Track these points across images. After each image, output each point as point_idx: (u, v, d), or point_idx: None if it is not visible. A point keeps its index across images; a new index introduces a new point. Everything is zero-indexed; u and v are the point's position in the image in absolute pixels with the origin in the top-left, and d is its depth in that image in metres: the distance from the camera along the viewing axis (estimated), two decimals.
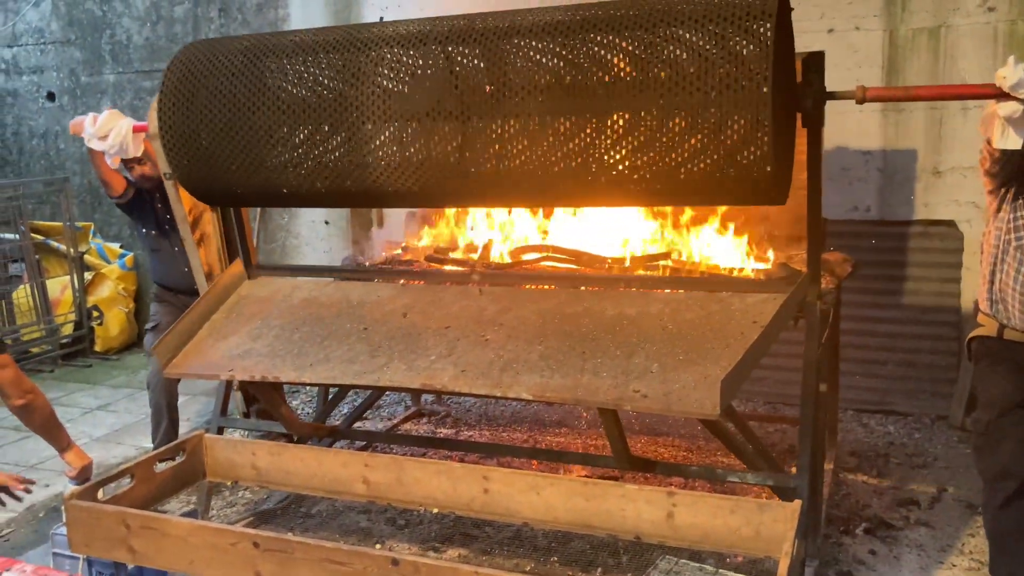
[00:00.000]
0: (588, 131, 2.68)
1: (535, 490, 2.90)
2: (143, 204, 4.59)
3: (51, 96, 7.59)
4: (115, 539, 2.74)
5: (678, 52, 2.54)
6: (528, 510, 2.90)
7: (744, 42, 2.47)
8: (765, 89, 2.40)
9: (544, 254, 3.98)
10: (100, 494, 2.98)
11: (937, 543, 3.64)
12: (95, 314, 7.01)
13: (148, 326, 4.75)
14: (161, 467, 3.25)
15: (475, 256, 4.25)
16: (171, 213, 4.28)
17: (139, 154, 3.95)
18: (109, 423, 5.51)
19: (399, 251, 4.58)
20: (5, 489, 3.12)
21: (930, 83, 5.09)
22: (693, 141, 2.53)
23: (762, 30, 2.46)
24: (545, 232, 4.21)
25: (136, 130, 3.83)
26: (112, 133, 3.78)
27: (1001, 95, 2.57)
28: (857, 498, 4.03)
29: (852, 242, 5.27)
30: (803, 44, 5.10)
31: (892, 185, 5.27)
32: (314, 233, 6.62)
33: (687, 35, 2.54)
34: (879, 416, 5.13)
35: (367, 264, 4.33)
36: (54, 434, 3.31)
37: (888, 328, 5.26)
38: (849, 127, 5.22)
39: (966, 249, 5.12)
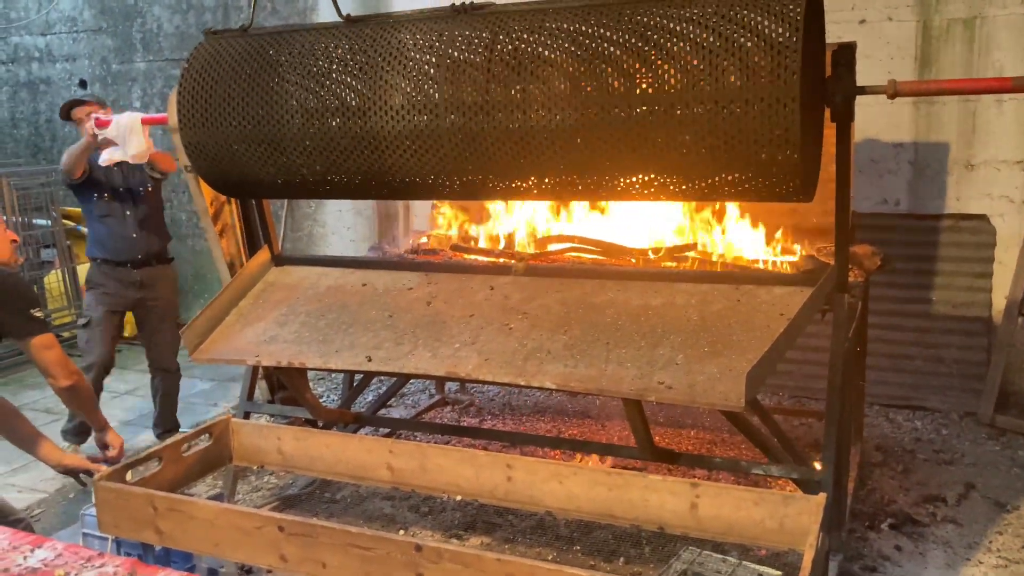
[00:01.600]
0: (613, 130, 2.67)
1: (558, 479, 2.89)
2: (98, 174, 4.51)
3: (83, 84, 7.67)
4: (143, 520, 2.78)
5: (707, 42, 2.52)
6: (551, 499, 2.90)
7: (774, 29, 2.44)
8: (794, 78, 2.37)
9: (570, 245, 3.99)
10: (128, 476, 3.02)
11: (964, 540, 3.60)
12: None
13: (80, 322, 4.61)
14: (188, 451, 3.28)
15: (500, 247, 4.28)
16: (131, 176, 4.39)
17: (145, 160, 4.02)
18: (137, 408, 5.58)
19: (425, 239, 4.60)
20: (82, 471, 3.16)
21: (964, 75, 5.02)
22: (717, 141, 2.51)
23: (793, 15, 2.43)
24: (569, 221, 4.20)
25: (145, 122, 3.88)
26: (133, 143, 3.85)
27: None
28: (882, 493, 3.99)
29: (882, 235, 5.20)
30: (834, 35, 5.09)
31: (923, 178, 5.20)
32: (340, 222, 6.66)
33: (715, 27, 2.52)
34: (906, 412, 5.07)
35: (393, 254, 4.35)
36: (95, 415, 3.37)
37: (917, 323, 5.21)
38: (880, 119, 5.16)
39: (999, 244, 5.05)
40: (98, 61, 7.58)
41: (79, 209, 7.32)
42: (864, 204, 5.23)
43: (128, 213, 4.54)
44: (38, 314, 2.97)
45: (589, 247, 3.95)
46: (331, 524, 2.49)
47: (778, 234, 3.92)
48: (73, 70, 7.72)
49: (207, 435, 3.38)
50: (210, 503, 2.83)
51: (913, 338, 5.20)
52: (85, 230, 7.16)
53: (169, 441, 3.24)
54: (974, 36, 4.98)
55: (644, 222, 4.07)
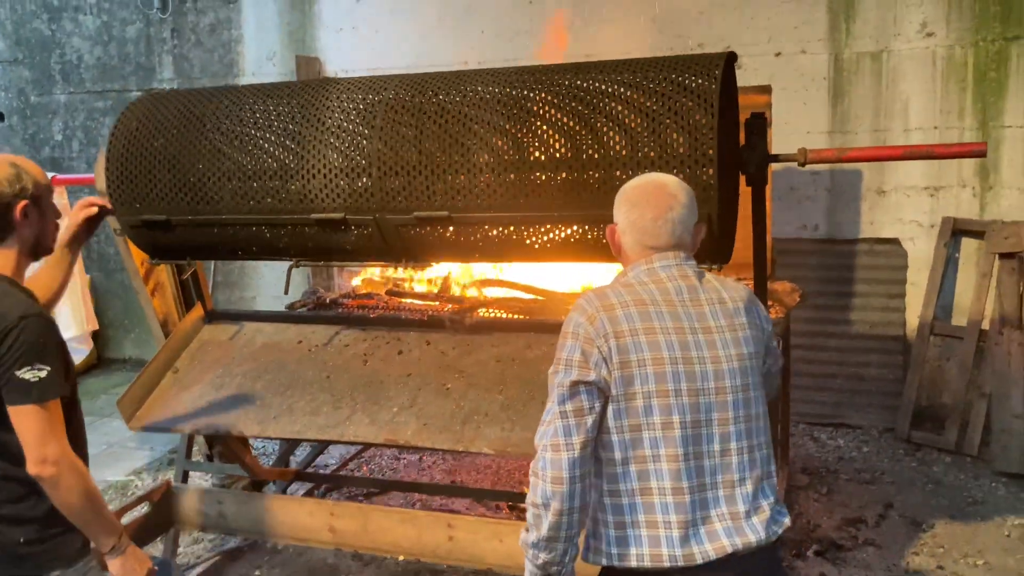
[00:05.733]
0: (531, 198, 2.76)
1: (498, 537, 2.99)
2: None
3: (0, 116, 7.47)
4: None
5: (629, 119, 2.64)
6: (492, 556, 3.00)
7: (692, 111, 2.57)
8: (711, 171, 2.49)
9: (501, 287, 4.09)
10: None
11: (883, 562, 3.81)
12: None
13: None
14: (127, 520, 3.28)
15: (435, 289, 4.34)
16: None
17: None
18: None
19: (358, 280, 4.64)
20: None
21: (874, 105, 5.26)
22: None
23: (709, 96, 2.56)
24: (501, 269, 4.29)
25: (66, 183, 3.90)
26: None
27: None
28: (808, 518, 4.19)
29: (802, 259, 5.45)
30: (752, 67, 5.31)
31: (839, 204, 5.44)
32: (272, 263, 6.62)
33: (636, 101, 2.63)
34: (830, 429, 5.31)
35: (327, 299, 4.37)
36: (91, 524, 2.18)
37: (838, 343, 5.45)
38: (796, 148, 5.35)
39: (911, 266, 5.32)
40: (15, 93, 7.38)
41: None
42: (785, 230, 5.45)
43: None
44: (27, 375, 2.00)
45: (520, 290, 4.05)
46: None
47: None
48: None
49: (147, 502, 3.39)
50: None
51: (834, 357, 5.44)
52: None
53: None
54: (882, 69, 5.23)
55: (573, 265, 4.18)
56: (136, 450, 5.48)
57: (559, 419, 1.86)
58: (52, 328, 2.13)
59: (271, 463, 4.80)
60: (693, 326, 1.90)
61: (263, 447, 5.58)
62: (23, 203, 2.19)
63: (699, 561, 1.82)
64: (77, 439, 2.23)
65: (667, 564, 1.82)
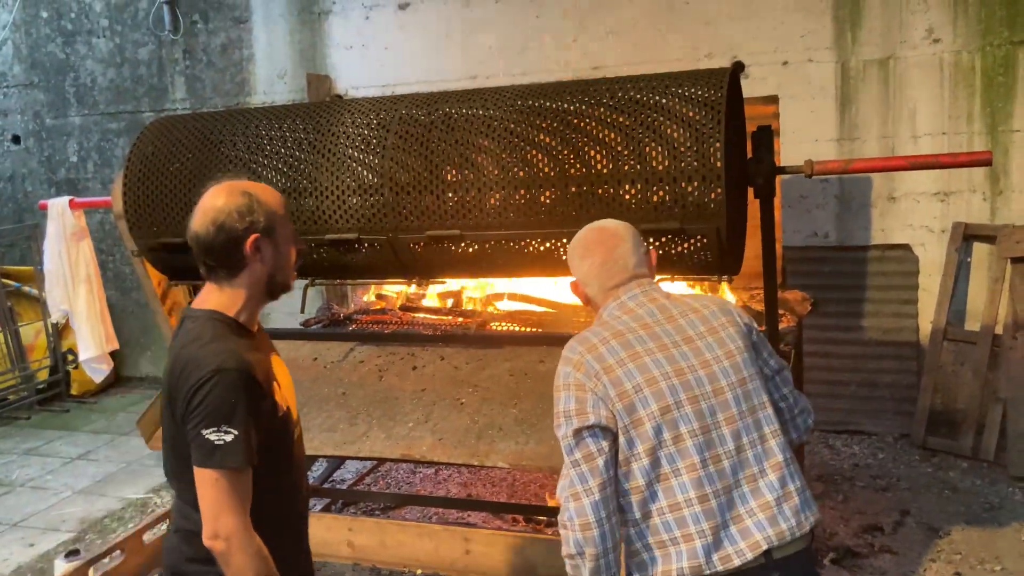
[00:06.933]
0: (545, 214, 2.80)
1: (515, 550, 3.02)
2: None
3: (16, 139, 7.57)
4: None
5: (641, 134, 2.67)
6: (509, 569, 3.02)
7: (698, 119, 2.60)
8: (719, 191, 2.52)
9: (516, 300, 4.12)
10: (91, 573, 3.06)
11: (900, 569, 3.81)
12: (70, 358, 7.02)
13: None
14: (148, 538, 3.33)
15: (449, 303, 4.38)
16: None
17: None
18: (91, 473, 5.54)
19: (373, 296, 4.68)
20: None
21: (882, 111, 5.28)
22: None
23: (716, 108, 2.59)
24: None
25: (83, 206, 3.99)
26: None
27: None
28: (825, 526, 4.19)
29: (813, 267, 5.46)
30: (759, 76, 5.33)
31: (849, 211, 5.44)
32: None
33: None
34: (844, 436, 5.31)
35: (341, 315, 4.42)
36: None
37: (851, 350, 5.44)
38: (805, 157, 5.37)
39: (922, 271, 5.32)
40: (31, 116, 7.48)
41: (19, 268, 7.26)
42: (795, 238, 5.46)
43: None
44: (212, 436, 1.83)
45: (534, 303, 4.09)
46: None
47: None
48: (5, 125, 7.61)
49: (168, 520, 3.42)
50: None
51: (847, 364, 5.44)
52: (27, 289, 7.10)
53: (130, 531, 3.28)
54: (888, 76, 5.24)
55: None
56: (155, 468, 5.53)
57: (572, 468, 1.89)
58: (250, 385, 1.87)
59: None
60: (674, 340, 1.95)
61: None
62: (254, 236, 1.94)
63: (736, 563, 1.84)
64: (280, 501, 2.03)
65: (706, 572, 1.84)
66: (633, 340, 1.93)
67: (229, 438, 1.83)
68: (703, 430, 1.88)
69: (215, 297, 2.00)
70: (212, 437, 1.82)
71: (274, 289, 2.05)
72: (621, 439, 1.88)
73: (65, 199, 4.28)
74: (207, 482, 1.84)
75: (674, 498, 1.87)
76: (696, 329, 1.97)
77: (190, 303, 2.08)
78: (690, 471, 1.86)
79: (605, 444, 1.88)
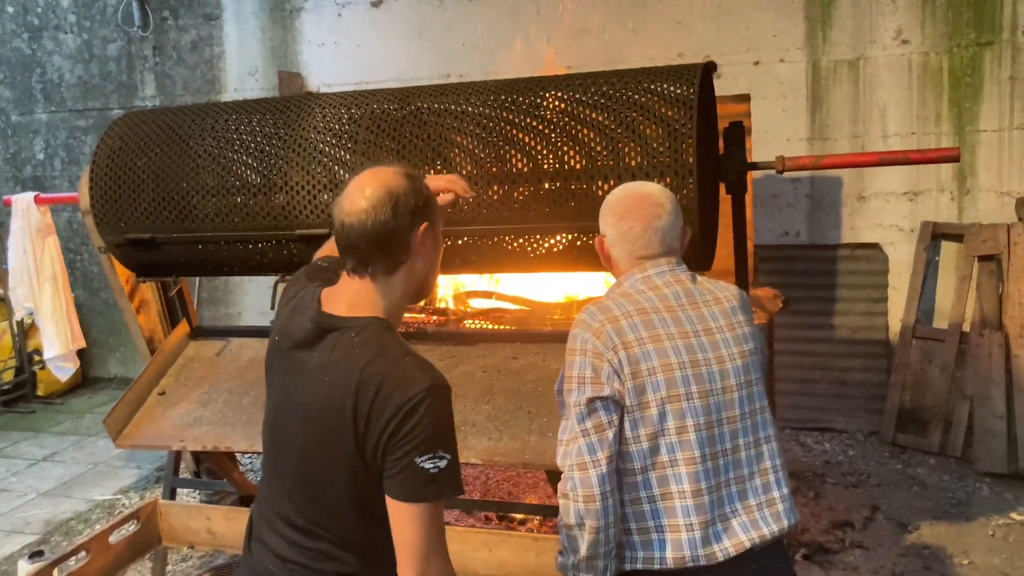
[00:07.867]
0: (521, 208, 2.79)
1: (487, 547, 3.00)
2: None
3: None
4: None
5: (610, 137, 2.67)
6: (482, 567, 3.00)
7: (670, 119, 2.60)
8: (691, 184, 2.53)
9: (487, 298, 4.11)
10: (55, 573, 2.99)
11: (871, 564, 3.84)
12: (36, 358, 6.90)
13: None
14: (115, 539, 3.27)
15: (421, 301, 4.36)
16: None
17: None
18: (57, 475, 5.45)
19: None
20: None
21: (852, 111, 5.33)
22: None
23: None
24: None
25: (39, 202, 3.94)
26: None
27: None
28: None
29: (784, 266, 5.50)
30: (731, 75, 5.36)
31: (820, 210, 5.49)
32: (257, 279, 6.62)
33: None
34: (815, 434, 5.35)
35: None
36: None
37: (821, 348, 5.49)
38: (776, 155, 5.42)
39: (891, 270, 5.38)
40: None
41: None
42: (767, 236, 5.50)
43: None
44: (427, 464, 1.55)
45: (508, 301, 4.08)
46: None
47: None
48: None
49: (135, 520, 3.37)
50: None
51: (818, 362, 5.49)
52: None
53: (96, 531, 3.22)
54: (859, 76, 5.29)
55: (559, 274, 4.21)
56: (122, 469, 5.46)
57: (581, 438, 1.85)
58: (450, 401, 1.63)
59: (259, 478, 4.78)
60: (695, 329, 1.92)
61: (251, 463, 5.56)
62: (424, 225, 1.67)
63: (720, 559, 1.84)
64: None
65: (690, 564, 1.84)
66: (656, 321, 1.90)
67: (444, 464, 1.57)
68: (707, 425, 1.88)
69: (367, 298, 1.68)
70: (427, 465, 1.55)
71: (424, 290, 1.77)
72: (626, 418, 1.86)
73: (30, 195, 4.22)
74: (413, 517, 1.57)
75: (667, 487, 1.86)
76: (716, 322, 1.95)
77: (319, 307, 1.71)
78: (688, 464, 1.85)
79: (615, 417, 1.85)
